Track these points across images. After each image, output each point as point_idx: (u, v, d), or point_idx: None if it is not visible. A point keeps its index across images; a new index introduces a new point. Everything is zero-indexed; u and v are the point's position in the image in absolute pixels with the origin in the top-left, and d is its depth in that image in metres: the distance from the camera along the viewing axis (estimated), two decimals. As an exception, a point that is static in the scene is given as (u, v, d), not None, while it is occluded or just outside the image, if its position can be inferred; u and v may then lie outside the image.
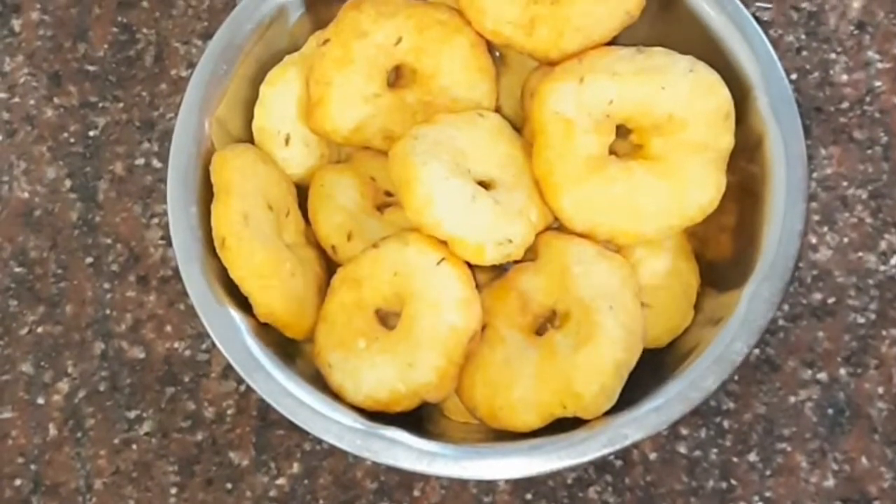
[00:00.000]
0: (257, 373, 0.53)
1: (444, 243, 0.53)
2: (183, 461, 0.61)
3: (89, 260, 0.64)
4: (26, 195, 0.65)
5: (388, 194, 0.58)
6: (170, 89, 0.66)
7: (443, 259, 0.53)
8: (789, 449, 0.60)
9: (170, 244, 0.55)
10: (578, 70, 0.55)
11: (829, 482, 0.59)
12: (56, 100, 0.66)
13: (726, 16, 0.56)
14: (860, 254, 0.62)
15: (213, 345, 0.56)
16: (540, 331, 0.55)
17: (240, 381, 0.61)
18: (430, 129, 0.55)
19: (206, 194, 0.54)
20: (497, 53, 0.60)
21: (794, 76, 0.65)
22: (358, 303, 0.54)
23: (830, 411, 0.60)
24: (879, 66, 0.65)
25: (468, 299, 0.53)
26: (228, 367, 0.61)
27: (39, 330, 0.63)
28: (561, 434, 0.52)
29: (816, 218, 0.63)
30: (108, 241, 0.64)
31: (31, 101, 0.66)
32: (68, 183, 0.65)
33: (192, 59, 0.66)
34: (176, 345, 0.62)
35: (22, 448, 0.61)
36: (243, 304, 0.53)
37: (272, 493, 0.60)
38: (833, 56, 0.65)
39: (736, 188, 0.55)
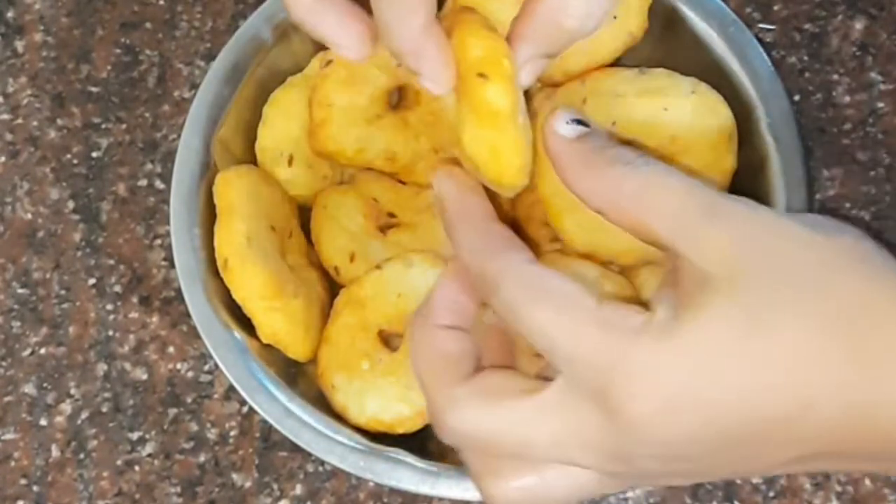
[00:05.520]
0: (260, 394, 0.53)
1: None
2: (185, 483, 0.61)
3: (92, 281, 0.64)
4: (29, 216, 0.65)
5: (391, 215, 0.58)
6: (173, 110, 0.66)
7: (446, 280, 0.53)
8: (793, 470, 0.60)
9: (173, 265, 0.55)
10: (581, 91, 0.55)
11: (833, 504, 0.59)
12: (59, 121, 0.66)
13: (729, 37, 0.56)
14: (863, 275, 0.62)
15: (216, 366, 0.56)
16: (543, 352, 0.55)
17: (242, 402, 0.61)
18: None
19: (209, 215, 0.54)
20: (500, 75, 0.60)
21: (796, 97, 0.65)
22: (361, 324, 0.54)
23: (834, 432, 0.60)
24: (882, 87, 0.65)
25: (471, 321, 0.53)
26: (231, 389, 0.61)
27: (42, 351, 0.63)
28: (564, 456, 0.51)
29: (819, 239, 0.63)
30: (111, 262, 0.64)
31: (34, 123, 0.66)
32: (71, 204, 0.65)
33: (195, 80, 0.66)
34: (179, 366, 0.62)
35: (24, 469, 0.61)
36: (246, 325, 0.53)
37: (275, 515, 0.60)
38: (836, 77, 0.65)
39: (739, 209, 0.55)
